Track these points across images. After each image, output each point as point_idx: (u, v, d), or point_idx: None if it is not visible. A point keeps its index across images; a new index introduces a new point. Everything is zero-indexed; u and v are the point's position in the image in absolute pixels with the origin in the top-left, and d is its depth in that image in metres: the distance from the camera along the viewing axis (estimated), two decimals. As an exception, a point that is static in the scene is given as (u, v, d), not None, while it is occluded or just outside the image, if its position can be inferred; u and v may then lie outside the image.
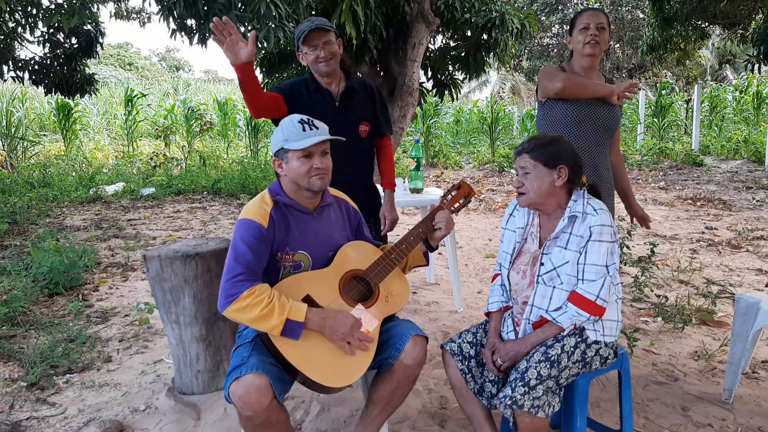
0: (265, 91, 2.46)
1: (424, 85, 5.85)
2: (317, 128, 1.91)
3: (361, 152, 2.67)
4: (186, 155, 11.95)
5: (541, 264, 1.93)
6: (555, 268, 1.90)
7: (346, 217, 2.09)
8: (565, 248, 1.89)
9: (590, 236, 1.86)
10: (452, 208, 2.15)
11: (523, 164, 1.93)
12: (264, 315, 1.70)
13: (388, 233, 2.83)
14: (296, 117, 1.92)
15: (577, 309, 1.84)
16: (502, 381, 1.98)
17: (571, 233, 1.89)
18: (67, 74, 7.51)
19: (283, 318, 1.72)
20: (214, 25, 2.10)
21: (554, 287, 1.90)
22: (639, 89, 2.57)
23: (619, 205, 2.77)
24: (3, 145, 11.09)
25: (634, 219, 2.69)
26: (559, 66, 2.49)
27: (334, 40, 2.49)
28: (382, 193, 2.81)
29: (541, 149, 1.91)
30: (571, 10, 17.95)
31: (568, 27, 2.49)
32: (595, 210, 1.89)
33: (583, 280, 1.86)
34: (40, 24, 6.91)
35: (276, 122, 2.56)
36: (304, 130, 1.88)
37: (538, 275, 1.92)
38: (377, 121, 2.68)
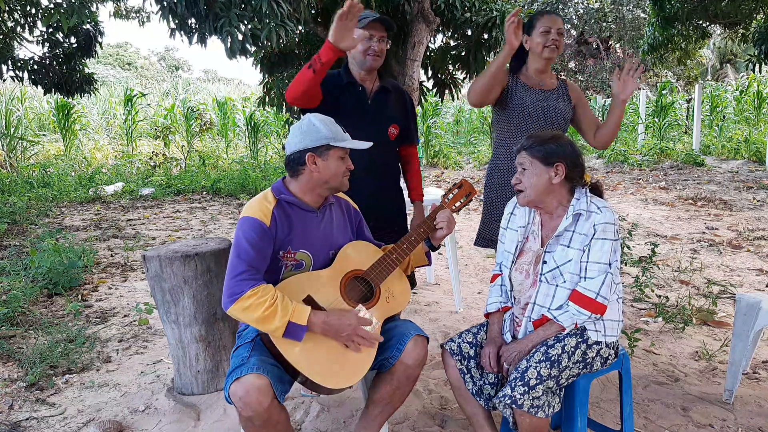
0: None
1: (424, 84, 5.84)
2: (346, 132, 1.96)
3: (389, 155, 2.59)
4: (185, 155, 11.93)
5: (544, 262, 1.92)
6: (558, 267, 1.89)
7: (347, 217, 2.09)
8: (569, 246, 1.89)
9: (594, 234, 1.86)
10: (453, 207, 2.15)
11: (521, 161, 1.95)
12: (267, 316, 1.70)
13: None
14: (331, 118, 1.94)
15: (577, 308, 1.84)
16: (501, 383, 1.97)
17: (574, 231, 1.89)
18: (66, 74, 7.51)
19: (286, 320, 1.71)
20: (351, 2, 2.04)
21: (557, 285, 1.89)
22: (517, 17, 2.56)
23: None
24: (2, 145, 11.08)
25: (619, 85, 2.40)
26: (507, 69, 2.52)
27: (386, 36, 2.45)
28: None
29: (538, 146, 1.92)
30: (571, 10, 17.94)
31: (526, 26, 2.48)
32: (599, 208, 1.89)
33: (585, 277, 1.86)
34: (39, 23, 6.91)
35: (305, 112, 2.45)
36: (344, 131, 1.94)
37: (540, 273, 1.92)
38: (407, 127, 2.63)
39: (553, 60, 2.48)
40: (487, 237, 2.62)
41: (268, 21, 3.70)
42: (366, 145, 1.95)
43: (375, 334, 1.88)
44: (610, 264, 1.85)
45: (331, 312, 1.81)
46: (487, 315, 2.08)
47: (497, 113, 2.57)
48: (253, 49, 4.14)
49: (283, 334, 1.72)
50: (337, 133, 1.90)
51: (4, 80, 7.49)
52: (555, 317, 1.86)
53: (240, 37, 3.70)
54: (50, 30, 7.22)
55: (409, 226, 2.70)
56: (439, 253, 5.02)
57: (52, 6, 6.34)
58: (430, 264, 2.20)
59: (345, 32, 2.09)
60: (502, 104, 2.52)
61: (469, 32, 5.58)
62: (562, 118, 2.49)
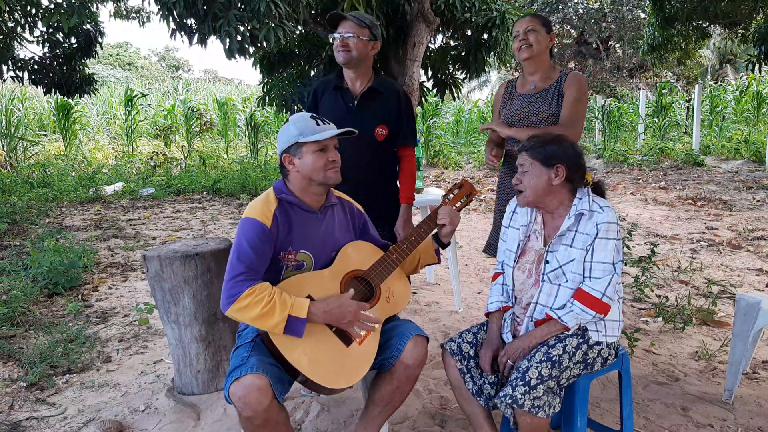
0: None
1: (424, 84, 5.84)
2: (328, 124, 1.93)
3: (376, 156, 2.57)
4: (186, 155, 11.94)
5: (546, 262, 1.92)
6: (561, 266, 1.89)
7: (350, 219, 2.09)
8: (571, 246, 1.89)
9: (597, 234, 1.86)
10: (454, 207, 2.15)
11: (521, 162, 1.95)
12: (265, 313, 1.70)
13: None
14: (306, 114, 1.93)
15: (582, 306, 1.84)
16: (501, 382, 1.97)
17: (576, 231, 1.89)
18: (66, 74, 7.50)
19: (285, 315, 1.71)
20: None
21: (560, 285, 1.89)
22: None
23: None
24: (3, 145, 11.09)
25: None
26: (508, 82, 2.65)
27: (357, 32, 2.44)
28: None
29: (539, 148, 1.92)
30: (571, 10, 17.94)
31: None
32: (601, 207, 1.89)
33: (590, 277, 1.86)
34: (39, 24, 6.91)
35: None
36: (318, 124, 1.89)
37: (543, 273, 1.92)
38: (398, 127, 2.59)
39: (533, 58, 2.46)
40: (496, 245, 2.66)
41: (267, 21, 3.70)
42: (335, 131, 1.89)
43: (374, 317, 1.88)
44: (614, 263, 1.85)
45: (330, 301, 1.81)
46: (488, 314, 2.08)
47: None
48: (252, 49, 4.15)
49: (284, 329, 1.72)
50: (305, 128, 1.87)
51: (5, 80, 7.50)
52: (559, 317, 1.86)
53: (238, 37, 3.71)
54: (50, 30, 7.22)
55: (394, 229, 2.67)
56: (439, 253, 5.02)
57: (52, 6, 6.34)
58: (439, 262, 2.21)
59: None
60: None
61: (469, 32, 5.58)
62: (550, 119, 2.45)
